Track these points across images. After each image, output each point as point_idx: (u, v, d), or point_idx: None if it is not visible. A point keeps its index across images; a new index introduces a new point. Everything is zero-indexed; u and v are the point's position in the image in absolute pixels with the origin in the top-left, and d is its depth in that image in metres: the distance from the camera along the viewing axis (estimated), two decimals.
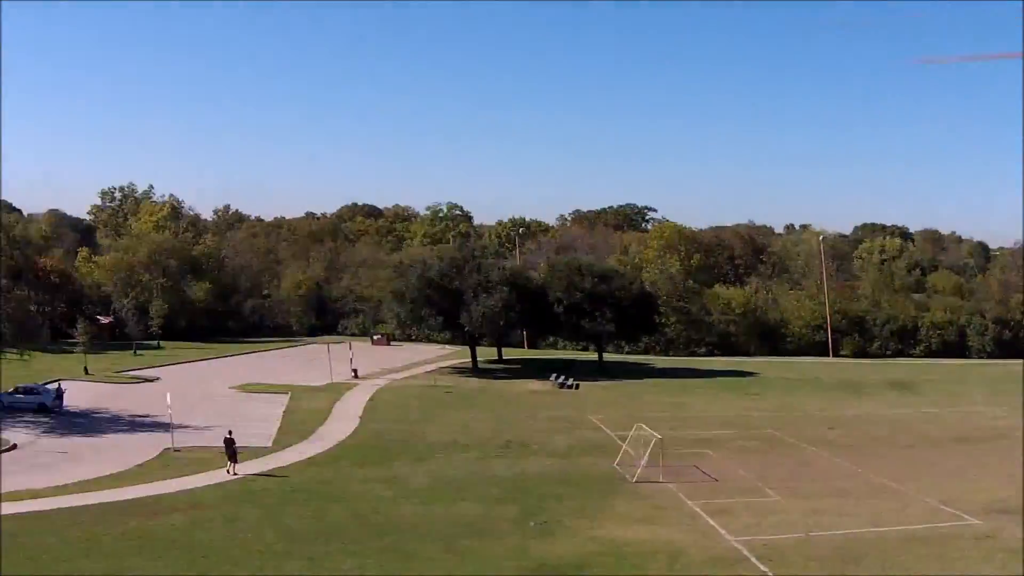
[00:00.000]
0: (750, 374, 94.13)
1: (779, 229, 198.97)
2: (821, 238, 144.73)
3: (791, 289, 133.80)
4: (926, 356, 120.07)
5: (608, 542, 33.78)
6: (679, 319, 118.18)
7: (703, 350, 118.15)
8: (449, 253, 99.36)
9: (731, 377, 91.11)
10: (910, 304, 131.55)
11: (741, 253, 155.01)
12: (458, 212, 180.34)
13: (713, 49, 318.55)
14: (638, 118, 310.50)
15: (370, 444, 53.12)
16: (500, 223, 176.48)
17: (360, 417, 62.05)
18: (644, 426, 46.49)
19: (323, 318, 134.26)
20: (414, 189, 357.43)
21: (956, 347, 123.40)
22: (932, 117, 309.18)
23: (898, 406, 72.14)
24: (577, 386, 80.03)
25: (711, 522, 35.71)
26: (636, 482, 42.46)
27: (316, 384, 76.42)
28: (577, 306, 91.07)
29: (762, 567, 30.12)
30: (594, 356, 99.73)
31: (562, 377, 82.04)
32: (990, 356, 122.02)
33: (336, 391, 72.83)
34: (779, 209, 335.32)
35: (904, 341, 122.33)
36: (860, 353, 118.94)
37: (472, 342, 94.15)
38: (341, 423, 59.89)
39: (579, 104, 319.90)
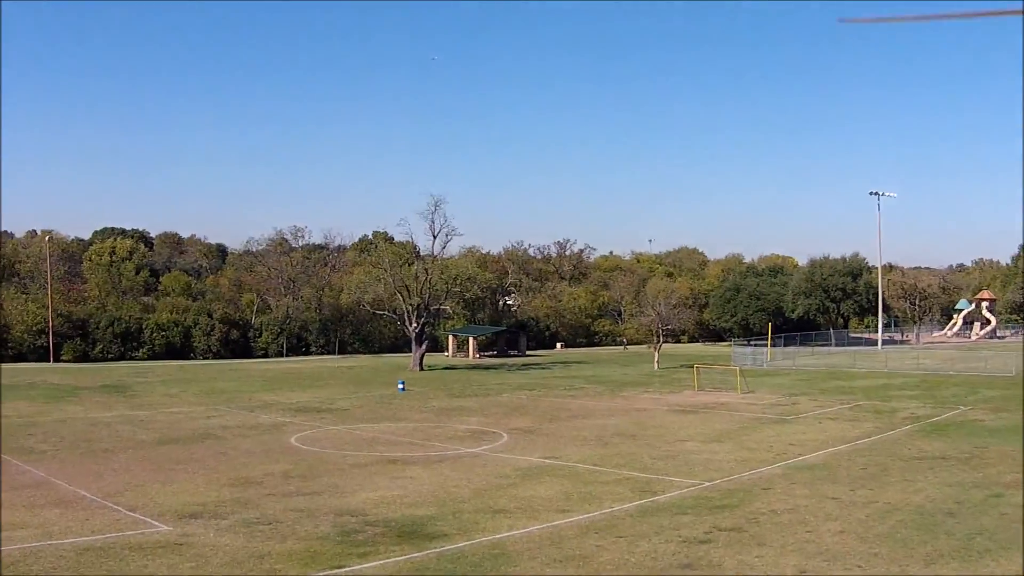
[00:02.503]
0: None
1: (20, 234, 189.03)
2: (48, 239, 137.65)
3: (23, 293, 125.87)
4: (150, 358, 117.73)
5: None
6: None
7: None
8: None
9: None
10: (137, 306, 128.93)
11: None
12: None
13: None
14: None
15: None
16: None
17: None
18: None
19: None
20: None
21: (181, 348, 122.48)
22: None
23: (107, 409, 66.30)
24: None
25: None
26: None
27: None
28: None
29: None
30: None
31: None
32: (216, 356, 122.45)
33: None
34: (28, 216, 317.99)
35: (128, 344, 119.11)
36: (82, 357, 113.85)
37: None
38: None
39: None
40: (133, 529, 30.91)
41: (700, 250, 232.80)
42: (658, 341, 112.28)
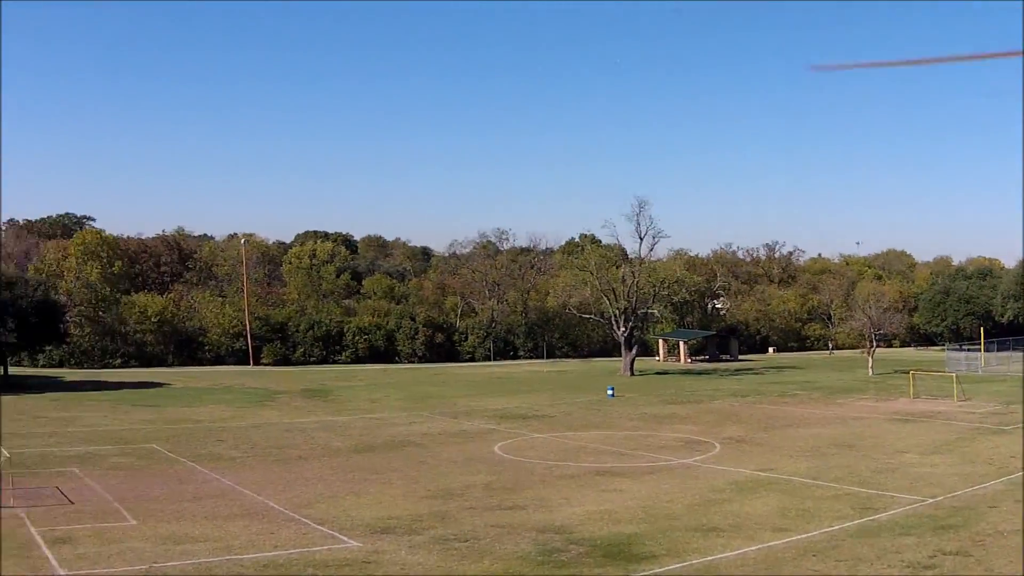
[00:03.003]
0: (158, 384, 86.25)
1: (220, 237, 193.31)
2: (244, 241, 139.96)
3: (219, 296, 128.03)
4: (353, 362, 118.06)
5: None
6: (94, 329, 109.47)
7: (118, 361, 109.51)
8: None
9: (137, 389, 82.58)
10: (338, 309, 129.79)
11: (168, 260, 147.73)
12: None
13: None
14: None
15: None
16: None
17: None
18: None
19: None
20: None
21: (384, 352, 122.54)
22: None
23: (304, 414, 66.13)
24: None
25: (47, 553, 28.19)
26: None
27: None
28: None
29: None
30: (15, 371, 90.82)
31: None
32: (421, 360, 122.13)
33: None
34: (221, 218, 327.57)
35: (329, 347, 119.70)
36: (282, 360, 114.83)
37: None
38: None
39: None
40: (320, 544, 29.48)
41: (908, 252, 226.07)
42: (871, 346, 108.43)
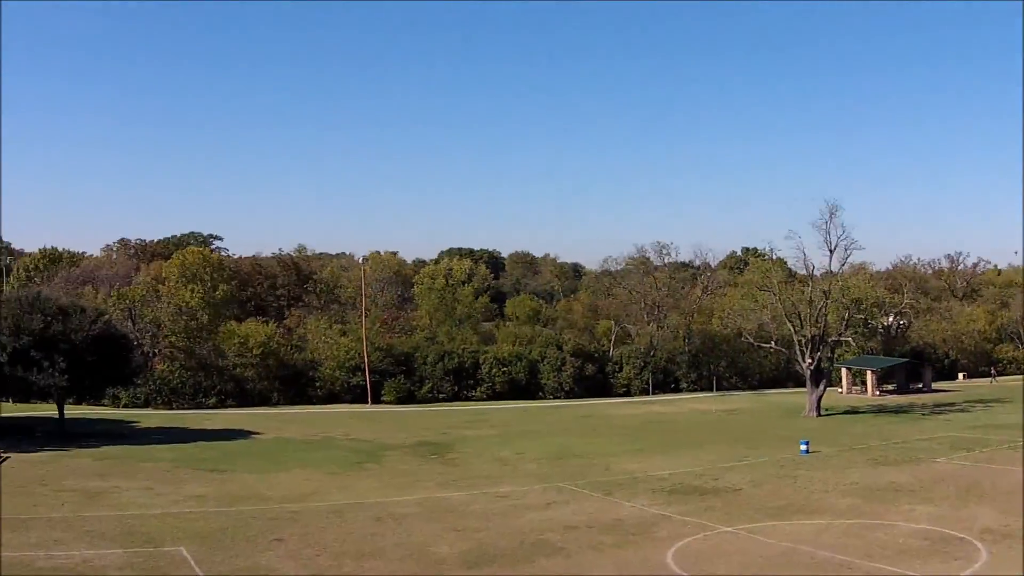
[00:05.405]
0: (243, 435, 73.08)
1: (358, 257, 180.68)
2: (364, 260, 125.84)
3: (337, 323, 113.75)
4: (489, 398, 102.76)
5: None
6: (185, 363, 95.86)
7: (213, 399, 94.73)
8: None
9: (213, 441, 68.97)
10: (474, 337, 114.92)
11: (285, 282, 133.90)
12: None
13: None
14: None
15: None
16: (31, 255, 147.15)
17: None
18: None
19: None
20: None
21: (527, 386, 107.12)
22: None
23: (406, 488, 50.44)
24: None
25: None
26: None
27: None
28: (24, 353, 65.68)
29: None
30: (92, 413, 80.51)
31: None
32: (568, 395, 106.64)
33: None
34: (357, 236, 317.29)
35: (462, 382, 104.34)
36: (407, 398, 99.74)
37: None
38: None
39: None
40: None
41: None
42: None
